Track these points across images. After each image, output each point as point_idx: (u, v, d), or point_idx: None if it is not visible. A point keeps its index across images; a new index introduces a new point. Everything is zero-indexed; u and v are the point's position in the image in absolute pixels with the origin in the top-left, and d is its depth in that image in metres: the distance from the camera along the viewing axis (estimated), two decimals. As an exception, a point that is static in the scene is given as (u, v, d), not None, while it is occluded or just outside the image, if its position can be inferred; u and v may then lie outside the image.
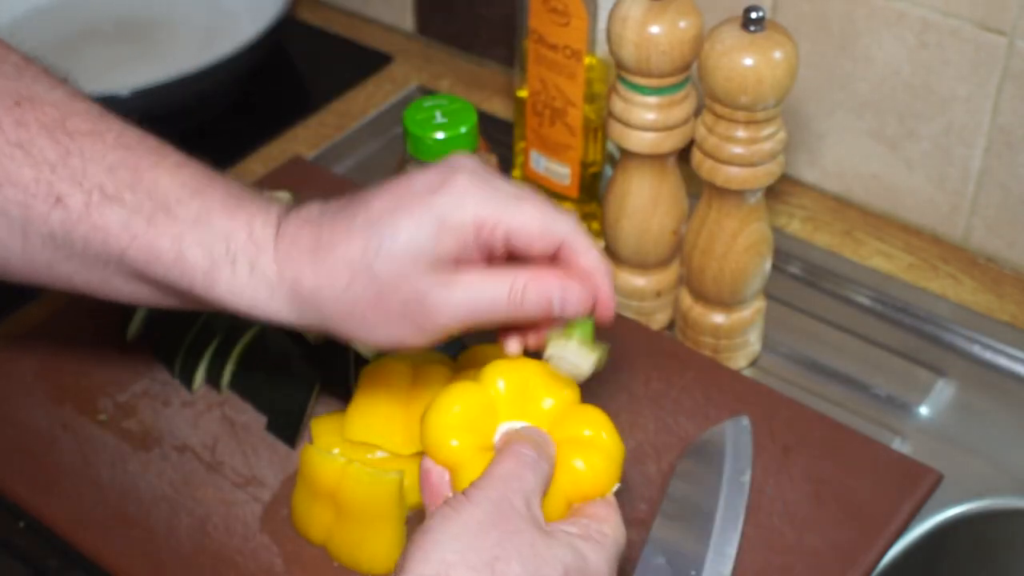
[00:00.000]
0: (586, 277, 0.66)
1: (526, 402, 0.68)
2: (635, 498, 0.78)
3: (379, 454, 0.78)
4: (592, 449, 0.66)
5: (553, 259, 0.66)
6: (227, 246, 0.65)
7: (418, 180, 0.65)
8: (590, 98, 0.90)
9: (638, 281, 0.89)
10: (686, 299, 0.88)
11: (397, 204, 0.64)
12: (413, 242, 0.63)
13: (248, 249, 0.65)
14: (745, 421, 0.81)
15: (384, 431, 0.77)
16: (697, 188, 0.84)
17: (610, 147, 0.93)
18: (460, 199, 0.64)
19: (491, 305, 0.64)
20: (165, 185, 0.66)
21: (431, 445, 0.66)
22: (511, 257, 0.66)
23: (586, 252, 0.66)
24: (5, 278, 0.70)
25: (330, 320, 0.65)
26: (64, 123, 0.67)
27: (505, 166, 1.02)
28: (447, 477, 0.66)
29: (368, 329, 0.65)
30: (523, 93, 0.94)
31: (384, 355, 0.82)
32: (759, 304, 0.88)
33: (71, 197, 0.66)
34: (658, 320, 0.91)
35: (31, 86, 0.68)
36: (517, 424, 0.67)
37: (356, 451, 0.78)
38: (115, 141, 0.67)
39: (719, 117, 0.78)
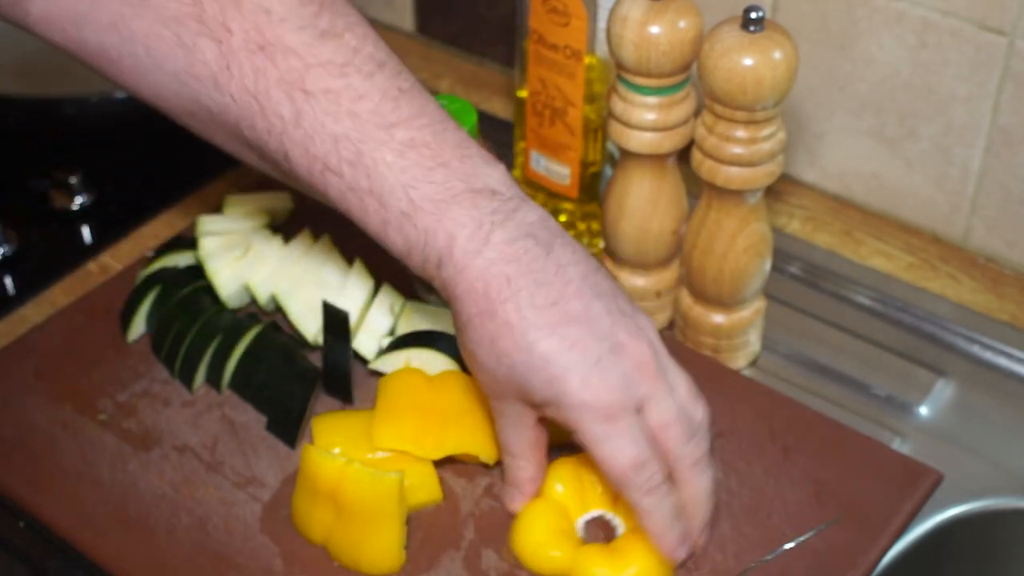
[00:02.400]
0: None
1: (586, 492, 0.77)
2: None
3: (379, 454, 0.78)
4: None
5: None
6: (425, 243, 0.69)
7: (594, 349, 0.69)
8: (590, 98, 0.90)
9: (638, 281, 0.89)
10: (686, 299, 0.88)
11: (559, 357, 0.68)
12: (530, 390, 0.69)
13: (443, 254, 0.69)
14: None
15: (414, 437, 0.78)
16: (697, 188, 0.84)
17: (610, 147, 0.93)
18: (582, 413, 0.69)
19: (499, 448, 0.76)
20: (383, 171, 0.68)
21: (535, 564, 0.75)
22: None
23: (647, 518, 0.72)
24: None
25: (455, 320, 0.71)
26: (304, 78, 0.69)
27: (505, 166, 1.02)
28: None
29: (464, 353, 0.72)
30: (523, 93, 0.94)
31: (389, 352, 0.82)
32: (759, 304, 0.88)
33: (297, 159, 0.70)
34: (658, 320, 0.91)
35: (277, 26, 0.69)
36: (594, 513, 0.77)
37: (356, 451, 0.78)
38: (349, 105, 0.69)
39: (719, 117, 0.78)
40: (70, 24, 0.71)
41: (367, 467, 0.74)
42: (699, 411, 0.72)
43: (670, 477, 0.71)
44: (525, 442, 0.74)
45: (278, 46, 0.68)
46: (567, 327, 0.68)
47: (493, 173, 0.70)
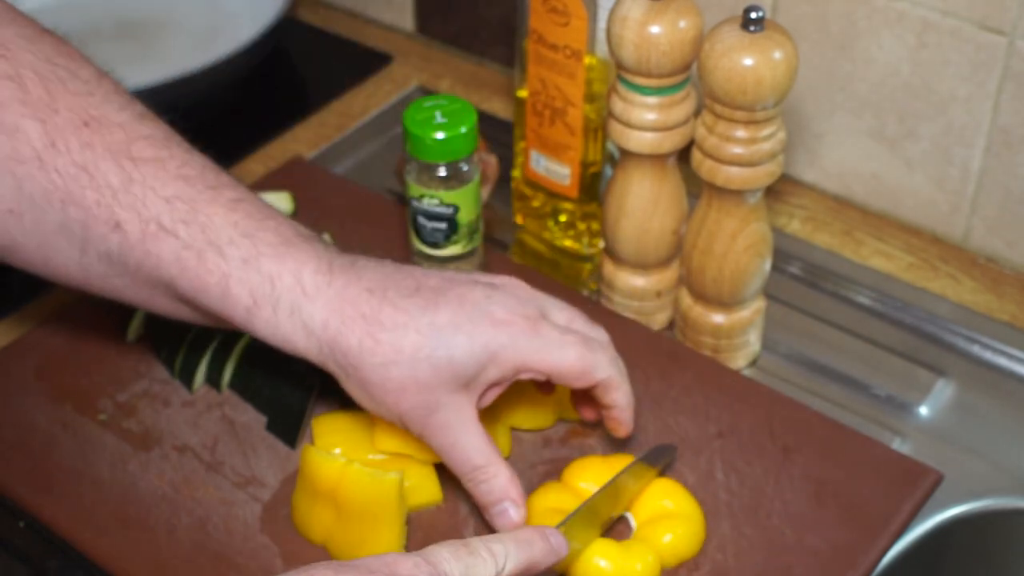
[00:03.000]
0: (609, 408, 0.75)
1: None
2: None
3: (379, 456, 0.78)
4: (676, 520, 0.75)
5: (587, 391, 0.75)
6: (272, 288, 0.69)
7: (481, 302, 0.71)
8: (590, 98, 0.90)
9: (638, 281, 0.89)
10: (686, 299, 0.88)
11: (460, 321, 0.69)
12: (461, 364, 0.69)
13: (293, 293, 0.69)
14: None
15: (417, 441, 0.78)
16: (697, 188, 0.84)
17: (610, 147, 0.93)
18: (514, 340, 0.70)
19: (459, 470, 0.73)
20: (219, 223, 0.69)
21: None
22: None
23: (616, 389, 0.74)
24: (61, 283, 0.74)
25: (348, 378, 0.71)
26: (129, 148, 0.70)
27: (505, 166, 1.02)
28: None
29: (371, 401, 0.71)
30: (523, 93, 0.94)
31: None
32: (759, 304, 0.88)
33: (129, 224, 0.69)
34: (658, 320, 0.91)
35: (101, 105, 0.70)
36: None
37: (356, 451, 0.78)
38: (176, 171, 0.70)
39: (719, 117, 0.78)
40: None
41: (367, 467, 0.74)
42: (597, 330, 0.75)
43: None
44: (481, 442, 0.72)
45: (104, 121, 0.70)
46: (443, 296, 0.70)
47: (314, 236, 0.73)
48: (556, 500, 0.76)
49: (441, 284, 0.71)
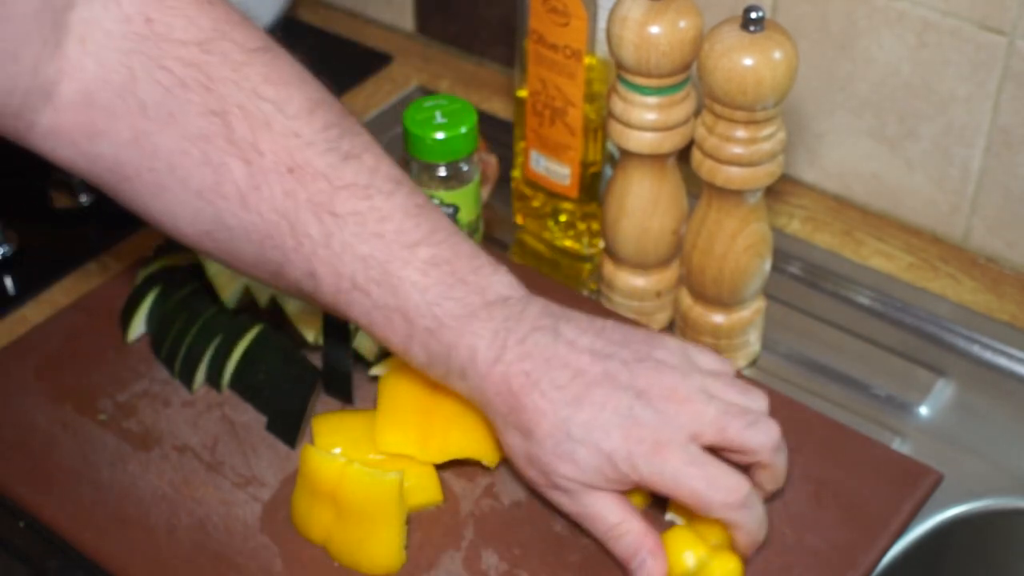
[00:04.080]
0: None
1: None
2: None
3: (379, 456, 0.78)
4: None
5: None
6: (447, 356, 0.72)
7: (623, 411, 0.70)
8: (590, 98, 0.90)
9: (638, 281, 0.89)
10: (686, 299, 0.88)
11: (593, 426, 0.70)
12: (582, 462, 0.70)
13: (465, 363, 0.72)
14: None
15: (417, 442, 0.78)
16: (697, 188, 0.84)
17: (610, 147, 0.93)
18: (632, 458, 0.70)
19: (597, 532, 0.73)
20: (409, 289, 0.71)
21: None
22: None
23: (736, 528, 0.72)
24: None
25: (493, 423, 0.74)
26: (332, 201, 0.70)
27: (505, 166, 1.02)
28: None
29: (510, 453, 0.75)
30: (523, 93, 0.94)
31: (388, 359, 0.82)
32: (759, 304, 0.88)
33: (324, 277, 0.71)
34: (658, 320, 0.91)
35: (305, 149, 0.71)
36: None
37: (356, 451, 0.78)
38: (375, 227, 0.71)
39: (719, 117, 0.78)
40: (83, 138, 0.70)
41: (367, 467, 0.74)
42: (754, 402, 0.73)
43: (750, 476, 0.72)
44: (610, 501, 0.72)
45: (307, 169, 0.70)
46: (592, 393, 0.70)
47: (502, 279, 0.74)
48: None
49: (598, 378, 0.71)
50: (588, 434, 0.70)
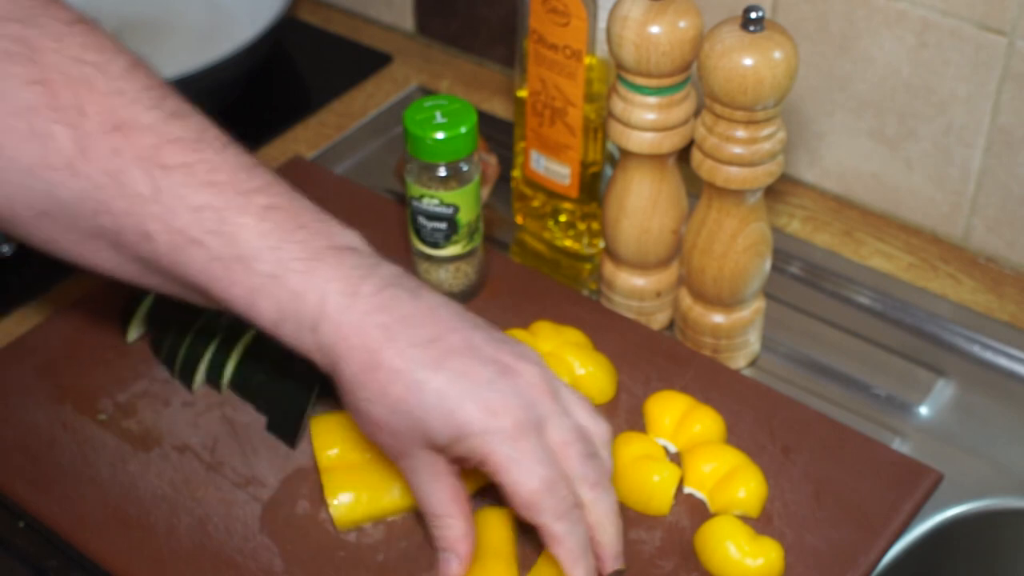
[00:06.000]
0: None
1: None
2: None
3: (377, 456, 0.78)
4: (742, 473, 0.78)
5: None
6: (296, 305, 0.68)
7: (483, 383, 0.68)
8: (590, 98, 0.90)
9: (638, 281, 0.89)
10: (686, 299, 0.88)
11: (451, 393, 0.67)
12: (432, 431, 0.67)
13: (315, 312, 0.68)
14: None
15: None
16: (697, 188, 0.84)
17: (610, 147, 0.93)
18: (487, 435, 0.67)
19: (422, 510, 0.72)
20: (247, 235, 0.69)
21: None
22: None
23: (557, 543, 0.68)
24: (104, 276, 0.74)
25: (343, 396, 0.70)
26: (159, 154, 0.69)
27: (505, 166, 1.02)
28: None
29: (357, 422, 0.71)
30: (523, 93, 0.94)
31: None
32: (759, 304, 0.88)
33: (158, 235, 0.69)
34: (658, 320, 0.91)
35: (130, 106, 0.69)
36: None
37: (354, 451, 0.78)
38: (205, 177, 0.69)
39: (719, 117, 0.78)
40: None
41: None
42: (599, 429, 0.71)
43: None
44: (445, 495, 0.70)
45: (133, 125, 0.69)
46: (452, 359, 0.68)
47: (349, 233, 0.71)
48: (640, 448, 0.78)
49: (460, 346, 0.68)
50: (441, 402, 0.67)
